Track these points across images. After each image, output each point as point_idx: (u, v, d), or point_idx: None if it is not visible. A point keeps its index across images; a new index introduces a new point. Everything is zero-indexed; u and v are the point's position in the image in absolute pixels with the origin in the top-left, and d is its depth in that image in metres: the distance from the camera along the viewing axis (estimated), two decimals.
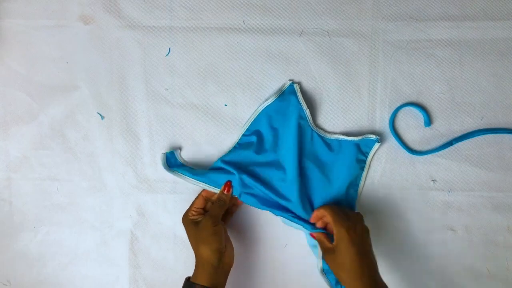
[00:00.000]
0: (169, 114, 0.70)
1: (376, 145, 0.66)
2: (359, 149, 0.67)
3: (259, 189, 0.65)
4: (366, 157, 0.67)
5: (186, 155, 0.70)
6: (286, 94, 0.68)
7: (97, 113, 0.71)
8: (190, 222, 0.63)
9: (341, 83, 0.68)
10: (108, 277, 0.72)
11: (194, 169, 0.68)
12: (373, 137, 0.66)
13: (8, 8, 0.70)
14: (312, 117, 0.67)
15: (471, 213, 0.68)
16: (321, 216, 0.63)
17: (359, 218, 0.62)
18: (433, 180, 0.68)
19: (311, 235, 0.65)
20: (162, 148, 0.70)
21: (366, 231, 0.61)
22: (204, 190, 0.66)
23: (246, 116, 0.69)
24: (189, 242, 0.64)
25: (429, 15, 0.67)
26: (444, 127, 0.68)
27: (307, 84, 0.69)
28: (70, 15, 0.70)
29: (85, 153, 0.71)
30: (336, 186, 0.67)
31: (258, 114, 0.68)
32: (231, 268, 0.64)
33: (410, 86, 0.68)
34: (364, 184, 0.68)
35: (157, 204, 0.71)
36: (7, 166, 0.72)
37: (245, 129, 0.68)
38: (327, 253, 0.60)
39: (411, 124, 0.68)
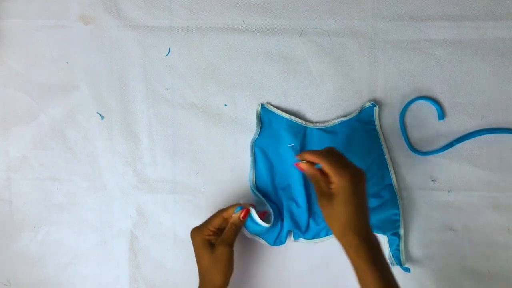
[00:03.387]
0: (169, 114, 0.70)
1: (376, 109, 0.66)
2: (363, 121, 0.67)
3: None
4: (374, 124, 0.67)
5: (186, 155, 0.70)
6: (265, 117, 0.68)
7: (97, 113, 0.71)
8: (206, 242, 0.61)
9: (341, 83, 0.68)
10: (108, 277, 0.72)
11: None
12: (368, 104, 0.66)
13: (8, 8, 0.70)
14: (305, 117, 0.68)
15: (471, 213, 0.68)
16: (314, 161, 0.55)
17: (357, 167, 0.55)
18: (433, 180, 0.68)
19: (298, 166, 0.56)
20: (162, 148, 0.70)
21: (366, 180, 0.55)
22: (225, 210, 0.63)
23: (246, 116, 0.69)
24: (197, 261, 0.61)
25: (429, 15, 0.67)
26: (444, 127, 0.67)
27: (307, 84, 0.69)
28: (70, 15, 0.70)
29: (85, 153, 0.71)
30: (361, 165, 0.66)
31: (254, 150, 0.68)
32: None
33: (410, 86, 0.67)
34: (388, 148, 0.67)
35: (157, 204, 0.71)
36: (7, 166, 0.72)
37: (254, 170, 0.68)
38: (324, 198, 0.53)
39: (410, 124, 0.68)
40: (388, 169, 0.67)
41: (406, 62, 0.67)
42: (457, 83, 0.67)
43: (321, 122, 0.68)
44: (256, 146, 0.68)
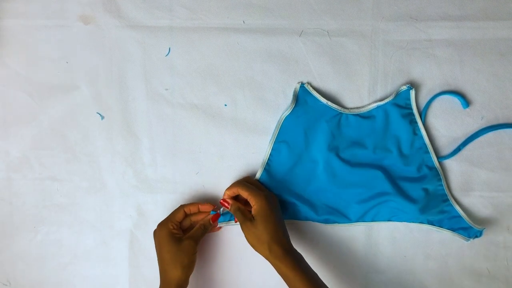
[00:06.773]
0: (169, 114, 0.70)
1: (412, 92, 0.66)
2: (399, 106, 0.66)
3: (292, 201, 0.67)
4: (410, 108, 0.66)
5: (186, 155, 0.70)
6: (301, 97, 0.67)
7: (97, 113, 0.71)
8: (171, 235, 0.62)
9: (341, 83, 0.68)
10: (108, 277, 0.72)
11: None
12: (404, 87, 0.66)
13: (8, 8, 0.70)
14: (337, 103, 0.68)
15: (471, 213, 0.68)
16: (234, 193, 0.65)
17: (269, 191, 0.66)
18: None
19: (223, 203, 0.65)
20: (162, 148, 0.70)
21: (277, 200, 0.65)
22: (186, 205, 0.66)
23: (246, 116, 0.69)
24: (159, 255, 0.63)
25: (429, 15, 0.67)
26: (444, 128, 0.67)
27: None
28: (70, 15, 0.70)
29: (85, 153, 0.71)
30: (398, 152, 0.66)
31: (281, 125, 0.67)
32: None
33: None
34: (427, 134, 0.66)
35: (157, 204, 0.71)
36: (7, 166, 0.72)
37: (272, 144, 0.67)
38: (247, 222, 0.61)
39: None
40: (429, 153, 0.66)
41: (406, 62, 0.67)
42: (457, 83, 0.67)
43: (357, 108, 0.68)
44: (284, 122, 0.67)
